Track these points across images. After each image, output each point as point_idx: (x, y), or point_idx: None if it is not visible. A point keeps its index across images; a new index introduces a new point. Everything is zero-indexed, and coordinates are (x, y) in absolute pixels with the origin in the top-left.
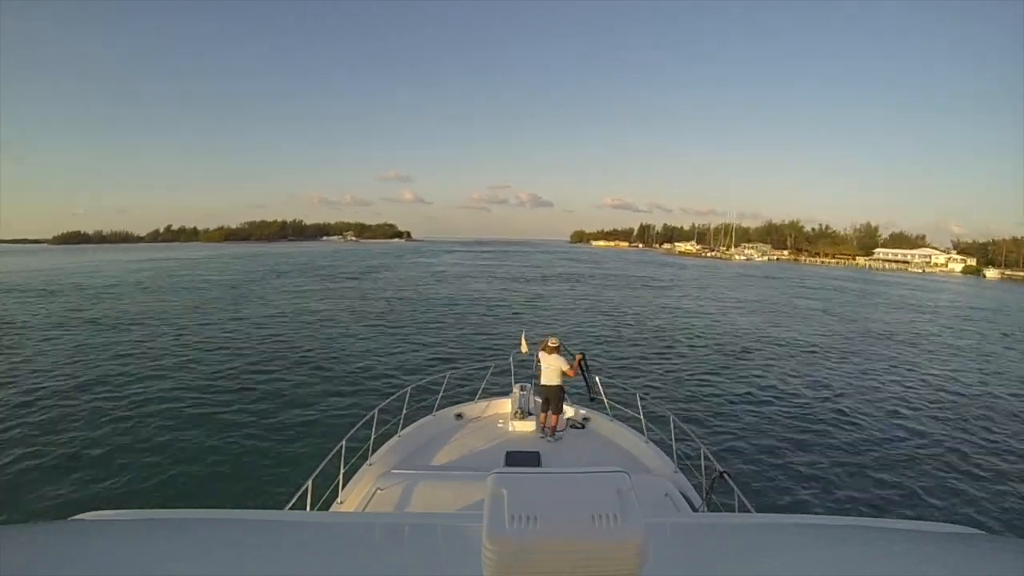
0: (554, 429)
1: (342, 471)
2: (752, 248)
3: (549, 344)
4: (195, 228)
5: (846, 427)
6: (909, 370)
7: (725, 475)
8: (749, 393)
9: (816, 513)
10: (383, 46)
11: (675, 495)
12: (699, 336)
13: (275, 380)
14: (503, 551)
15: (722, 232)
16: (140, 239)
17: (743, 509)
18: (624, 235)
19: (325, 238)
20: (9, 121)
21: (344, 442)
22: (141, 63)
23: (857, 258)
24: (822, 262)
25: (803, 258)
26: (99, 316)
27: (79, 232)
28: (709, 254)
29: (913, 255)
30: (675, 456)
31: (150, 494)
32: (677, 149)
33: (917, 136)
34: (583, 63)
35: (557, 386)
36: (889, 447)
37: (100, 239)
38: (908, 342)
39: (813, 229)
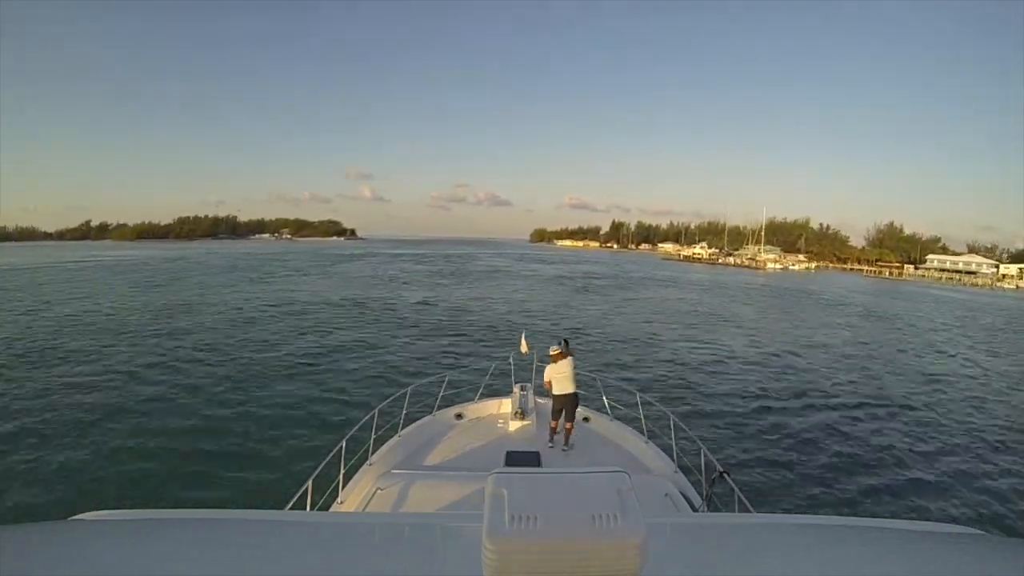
0: (567, 437)
1: (342, 471)
2: (769, 253)
3: (552, 353)
4: (105, 224)
5: (847, 428)
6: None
7: (725, 475)
8: (749, 393)
9: (816, 513)
10: (341, 39)
11: (675, 495)
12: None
13: (275, 380)
14: (503, 551)
15: (724, 232)
16: (48, 235)
17: (743, 509)
18: (591, 234)
19: (256, 236)
20: None
21: (344, 442)
22: (68, 48)
23: (906, 268)
24: (876, 272)
25: (842, 266)
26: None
27: None
28: (726, 260)
29: (980, 264)
30: (675, 456)
31: (150, 494)
32: (634, 150)
33: (903, 134)
34: (545, 62)
35: (574, 393)
36: (890, 447)
37: (4, 236)
38: None
39: (821, 226)
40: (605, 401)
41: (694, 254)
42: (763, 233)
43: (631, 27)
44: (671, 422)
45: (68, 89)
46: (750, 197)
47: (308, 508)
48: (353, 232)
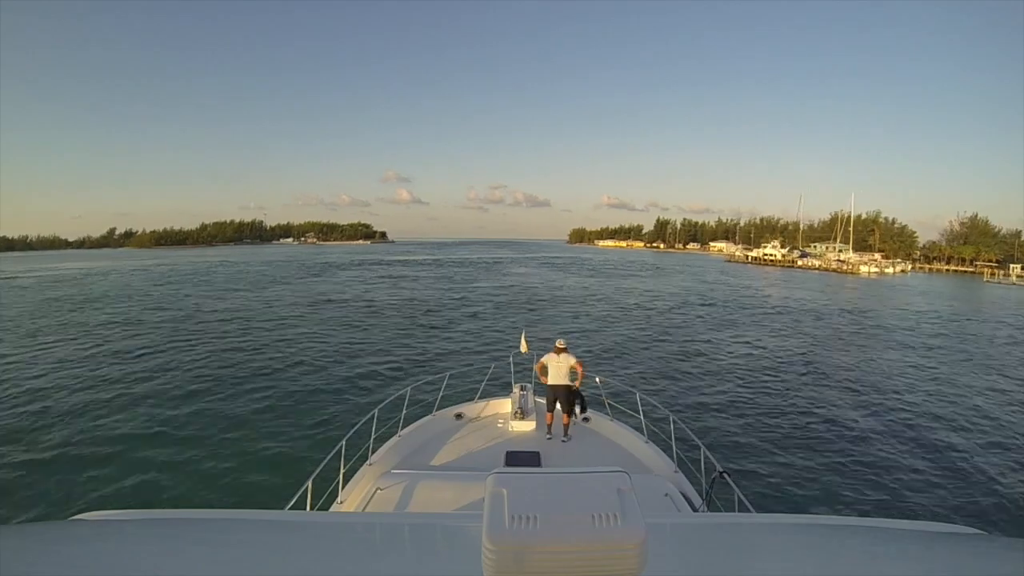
0: (566, 428)
1: (342, 471)
2: (846, 251)
3: (558, 345)
4: (131, 232)
5: (847, 428)
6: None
7: (725, 475)
8: (749, 393)
9: (816, 513)
10: (378, 45)
11: (675, 495)
12: None
13: (274, 381)
14: (503, 551)
15: (795, 229)
16: (68, 244)
17: (743, 509)
18: (634, 233)
19: (280, 241)
20: None
21: (344, 442)
22: (111, 55)
23: (1013, 268)
24: (990, 273)
25: (936, 267)
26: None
27: (5, 238)
28: (807, 263)
29: None
30: (675, 456)
31: (150, 494)
32: (671, 147)
33: (920, 127)
34: (580, 63)
35: (566, 386)
36: (890, 448)
37: (25, 245)
38: None
39: (885, 220)
40: (605, 401)
41: (765, 256)
42: (852, 229)
43: (662, 24)
44: (671, 422)
45: (106, 95)
46: (784, 192)
47: (308, 508)
48: (384, 235)
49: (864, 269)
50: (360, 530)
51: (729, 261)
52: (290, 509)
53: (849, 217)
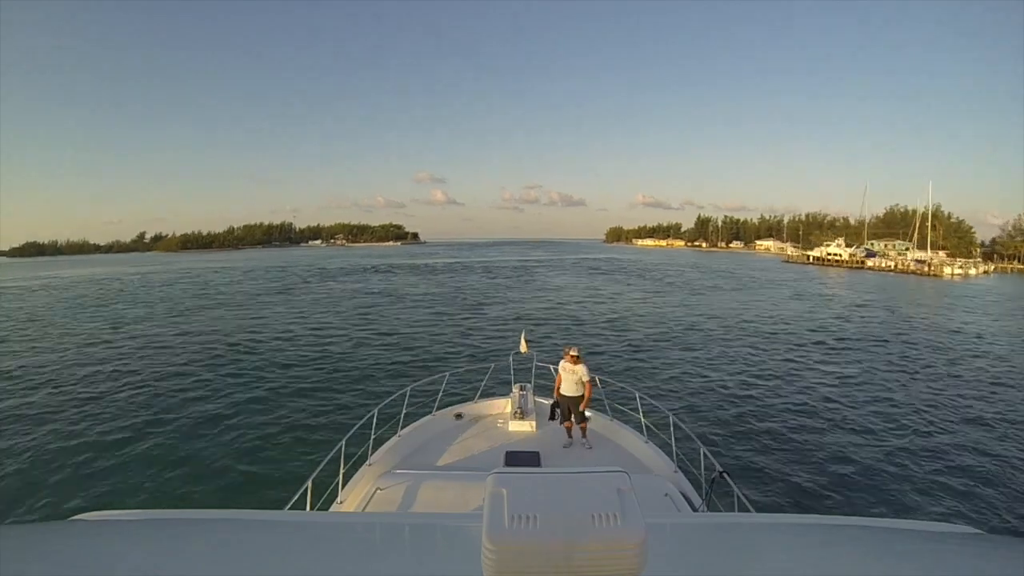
0: (584, 432)
1: (342, 471)
2: (911, 249)
3: (571, 353)
4: (158, 235)
5: (847, 428)
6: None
7: (725, 475)
8: (749, 393)
9: (815, 513)
10: (410, 47)
11: (675, 495)
12: None
13: (274, 381)
14: (503, 551)
15: (860, 225)
16: (98, 248)
17: (743, 509)
18: (673, 231)
19: (309, 243)
20: None
21: (344, 442)
22: (139, 58)
23: None
24: None
25: (1009, 266)
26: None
27: (36, 243)
28: (877, 263)
29: None
30: (675, 456)
31: (150, 494)
32: (705, 145)
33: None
34: (614, 61)
35: (579, 396)
36: (891, 447)
37: (55, 250)
38: None
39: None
40: (605, 401)
41: (829, 255)
42: (930, 224)
43: (686, 23)
44: (671, 422)
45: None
46: (824, 186)
47: (308, 508)
48: (416, 236)
49: (948, 271)
50: (360, 530)
51: (787, 262)
52: (290, 509)
53: (925, 212)
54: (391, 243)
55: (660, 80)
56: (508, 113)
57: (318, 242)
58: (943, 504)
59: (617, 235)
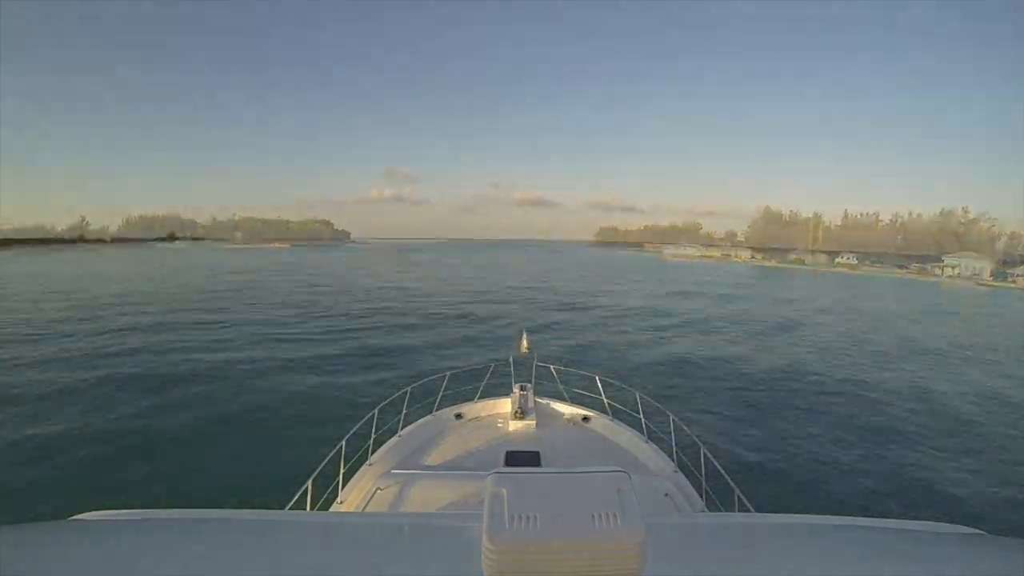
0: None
1: (342, 471)
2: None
3: None
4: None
5: (847, 427)
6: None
7: (725, 475)
8: (750, 393)
9: (816, 513)
10: (378, 44)
11: (675, 495)
12: None
13: (274, 381)
14: (503, 551)
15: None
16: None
17: (743, 509)
18: (725, 239)
19: (206, 240)
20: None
21: (344, 442)
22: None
23: None
24: None
25: None
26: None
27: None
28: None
29: None
30: (675, 456)
31: (150, 494)
32: (676, 150)
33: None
34: (585, 62)
35: None
36: (891, 447)
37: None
38: None
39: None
40: (605, 401)
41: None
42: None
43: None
44: (671, 422)
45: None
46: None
47: (308, 508)
48: (348, 235)
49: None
50: (360, 530)
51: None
52: (290, 509)
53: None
54: (276, 244)
55: (638, 81)
56: (476, 110)
57: (181, 243)
58: (944, 504)
59: (614, 238)
